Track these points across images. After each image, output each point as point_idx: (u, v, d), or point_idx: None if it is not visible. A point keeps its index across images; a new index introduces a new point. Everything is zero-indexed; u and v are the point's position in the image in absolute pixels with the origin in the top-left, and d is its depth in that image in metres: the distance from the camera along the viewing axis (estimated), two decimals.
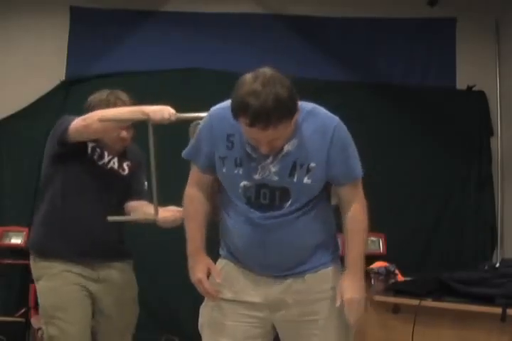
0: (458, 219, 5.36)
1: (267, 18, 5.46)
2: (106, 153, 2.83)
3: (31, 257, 2.85)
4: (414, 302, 3.13)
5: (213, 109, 2.25)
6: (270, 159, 2.13)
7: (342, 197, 2.25)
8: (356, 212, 2.25)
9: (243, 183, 2.17)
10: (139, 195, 2.92)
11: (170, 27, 5.42)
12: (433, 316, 3.13)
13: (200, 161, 2.26)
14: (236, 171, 2.17)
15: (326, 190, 2.26)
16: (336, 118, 2.18)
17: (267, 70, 2.02)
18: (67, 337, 2.71)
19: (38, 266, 2.81)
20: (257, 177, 2.15)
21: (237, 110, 1.99)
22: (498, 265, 3.28)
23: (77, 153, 2.76)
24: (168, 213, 2.71)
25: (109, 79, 5.23)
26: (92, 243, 2.75)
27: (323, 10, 5.43)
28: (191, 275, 2.29)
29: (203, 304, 2.34)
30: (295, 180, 2.14)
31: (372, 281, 3.53)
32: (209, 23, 5.39)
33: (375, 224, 4.85)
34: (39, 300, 2.83)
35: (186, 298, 2.36)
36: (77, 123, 2.66)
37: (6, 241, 4.92)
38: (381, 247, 5.02)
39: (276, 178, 2.15)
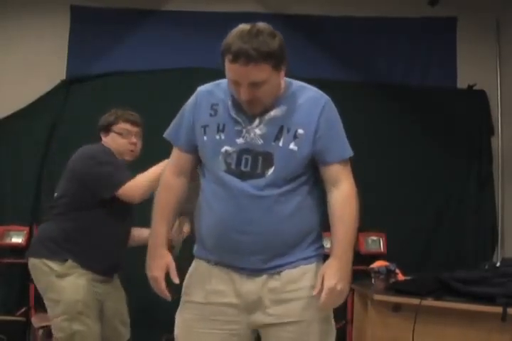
0: (458, 219, 5.35)
1: (267, 18, 5.32)
2: None
3: (54, 259, 2.93)
4: (415, 301, 3.13)
5: (200, 87, 2.24)
6: (256, 122, 2.07)
7: (329, 178, 2.09)
8: (346, 191, 2.07)
9: (225, 149, 2.08)
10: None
11: (170, 26, 5.41)
12: (434, 315, 3.13)
13: (180, 138, 2.20)
14: (218, 137, 2.09)
15: (315, 174, 2.14)
16: (328, 97, 2.16)
17: (261, 23, 2.04)
18: (92, 333, 2.86)
19: (66, 265, 2.89)
20: (240, 141, 2.07)
21: (223, 49, 2.00)
22: (498, 264, 3.28)
23: None
24: None
25: (109, 79, 5.25)
26: (118, 258, 3.05)
27: (324, 9, 5.43)
28: (147, 270, 2.21)
29: (178, 309, 2.25)
30: (280, 144, 2.05)
31: (373, 280, 3.53)
32: (209, 23, 5.37)
33: (376, 224, 4.95)
34: (62, 296, 2.87)
35: None
36: (132, 196, 2.91)
37: (7, 241, 4.91)
38: (381, 247, 5.02)
39: (260, 142, 2.06)
